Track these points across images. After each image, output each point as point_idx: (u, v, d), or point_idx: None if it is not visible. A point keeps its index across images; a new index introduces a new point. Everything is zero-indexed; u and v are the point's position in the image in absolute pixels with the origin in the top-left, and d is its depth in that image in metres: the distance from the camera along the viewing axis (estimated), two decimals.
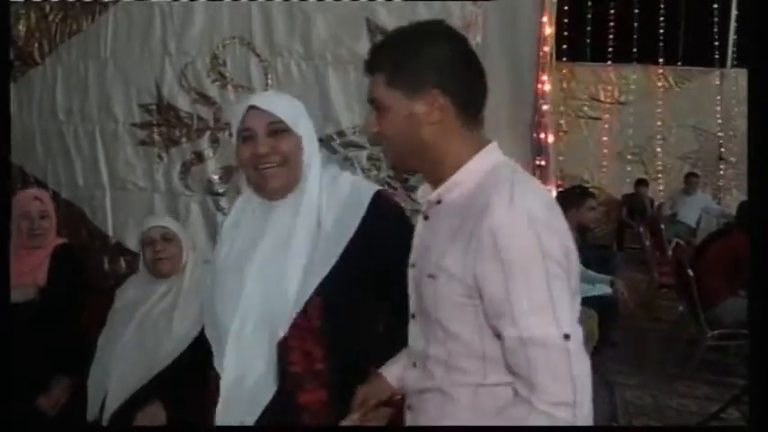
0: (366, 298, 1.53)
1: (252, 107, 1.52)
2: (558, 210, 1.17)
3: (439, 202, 1.24)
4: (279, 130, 1.52)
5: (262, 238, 1.54)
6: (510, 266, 1.08)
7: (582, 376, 1.08)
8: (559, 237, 1.12)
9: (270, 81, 2.68)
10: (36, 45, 3.13)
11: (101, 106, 2.94)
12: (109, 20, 2.93)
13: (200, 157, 2.82)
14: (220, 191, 2.82)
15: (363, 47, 2.54)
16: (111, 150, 2.94)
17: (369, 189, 1.56)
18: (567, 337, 1.08)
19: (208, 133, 2.79)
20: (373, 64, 1.27)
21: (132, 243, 2.94)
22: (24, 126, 3.19)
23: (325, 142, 2.60)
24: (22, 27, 3.17)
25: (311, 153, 1.56)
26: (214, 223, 2.83)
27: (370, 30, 2.54)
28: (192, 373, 2.31)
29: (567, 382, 1.07)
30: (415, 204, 1.56)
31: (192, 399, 2.29)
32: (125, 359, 2.37)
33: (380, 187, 1.64)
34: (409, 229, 1.33)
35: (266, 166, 1.51)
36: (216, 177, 2.82)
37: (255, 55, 2.69)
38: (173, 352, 2.36)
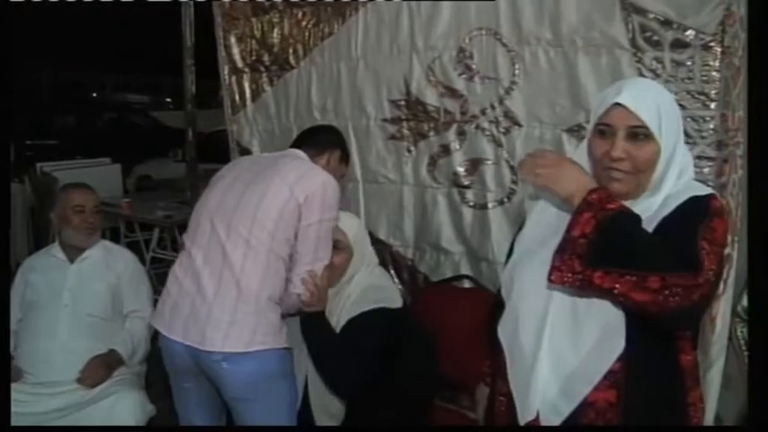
0: None
1: (617, 104, 1.45)
2: None
3: None
4: (639, 134, 1.44)
5: None
6: None
7: None
8: None
9: (517, 70, 2.63)
10: (291, 50, 3.37)
11: (353, 104, 3.10)
12: (359, 21, 3.07)
13: (446, 150, 2.85)
14: (466, 183, 2.83)
15: (618, 29, 2.39)
16: (364, 145, 3.09)
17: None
18: None
19: (454, 126, 2.81)
20: None
21: (383, 233, 3.07)
22: (282, 124, 3.46)
23: (575, 131, 2.50)
24: (276, 35, 3.42)
25: (668, 162, 1.46)
26: (460, 215, 2.87)
27: (624, 9, 2.38)
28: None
29: None
30: None
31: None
32: None
33: None
34: None
35: (616, 169, 1.46)
36: (462, 170, 2.83)
37: (502, 45, 2.65)
38: None
